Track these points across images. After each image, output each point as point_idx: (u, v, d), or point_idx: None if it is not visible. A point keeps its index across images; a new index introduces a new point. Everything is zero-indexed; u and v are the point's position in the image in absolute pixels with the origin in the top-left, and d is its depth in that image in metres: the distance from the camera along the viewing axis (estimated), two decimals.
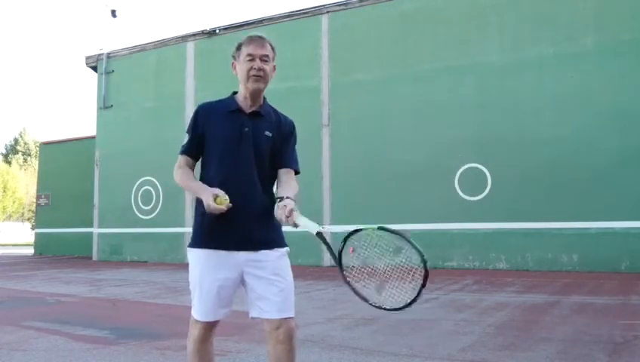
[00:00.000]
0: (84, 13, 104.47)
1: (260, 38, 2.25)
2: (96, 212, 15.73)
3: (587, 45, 10.26)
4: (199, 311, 2.21)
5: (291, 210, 2.06)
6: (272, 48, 2.28)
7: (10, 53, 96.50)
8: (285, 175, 2.33)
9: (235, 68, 2.31)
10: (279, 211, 2.09)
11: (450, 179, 11.01)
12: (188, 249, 2.27)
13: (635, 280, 8.20)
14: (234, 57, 2.31)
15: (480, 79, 11.03)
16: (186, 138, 2.30)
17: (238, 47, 2.28)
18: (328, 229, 1.95)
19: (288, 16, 13.29)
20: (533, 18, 10.73)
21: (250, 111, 2.27)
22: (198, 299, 2.21)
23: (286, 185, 2.27)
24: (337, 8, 12.72)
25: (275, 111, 2.37)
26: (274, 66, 2.30)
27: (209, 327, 2.25)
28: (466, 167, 10.92)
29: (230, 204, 2.06)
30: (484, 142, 10.80)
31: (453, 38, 11.37)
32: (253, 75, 2.21)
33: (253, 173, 2.22)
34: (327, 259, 11.95)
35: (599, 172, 9.80)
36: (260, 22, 13.55)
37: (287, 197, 2.14)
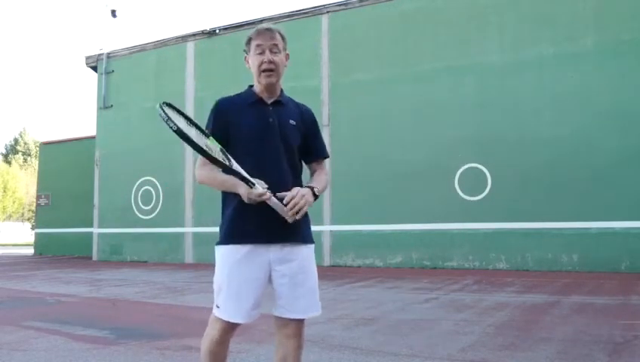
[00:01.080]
0: (84, 13, 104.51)
1: (268, 29, 2.21)
2: (96, 212, 15.73)
3: (587, 45, 10.26)
4: (228, 311, 2.11)
5: (305, 203, 2.02)
6: (282, 37, 2.23)
7: (11, 53, 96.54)
8: (317, 166, 2.33)
9: (248, 62, 2.27)
10: (297, 197, 2.02)
11: (450, 179, 11.01)
12: (216, 247, 2.20)
13: (635, 280, 8.20)
14: (245, 52, 2.27)
15: (480, 79, 11.03)
16: None
17: (248, 41, 2.25)
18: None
19: (288, 16, 13.29)
20: (533, 18, 10.73)
21: (271, 101, 2.23)
22: (227, 298, 2.11)
23: (317, 178, 2.26)
24: (337, 8, 12.72)
25: (292, 99, 2.34)
26: (287, 55, 2.26)
27: (231, 329, 2.16)
28: (466, 167, 10.92)
29: (270, 194, 2.00)
30: (484, 142, 10.80)
31: (453, 38, 11.37)
32: (264, 70, 2.17)
33: (283, 163, 2.17)
34: (328, 259, 11.96)
35: (599, 172, 9.79)
36: (260, 22, 13.53)
37: (311, 187, 2.12)
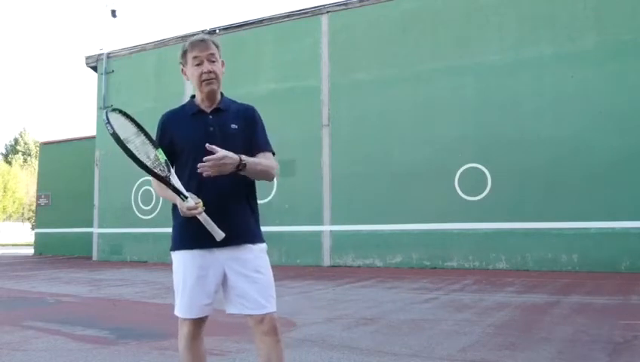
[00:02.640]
0: (84, 13, 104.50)
1: (203, 40, 2.29)
2: (96, 212, 15.74)
3: (587, 45, 10.26)
4: (183, 308, 2.26)
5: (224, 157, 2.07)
6: (217, 46, 2.32)
7: (11, 53, 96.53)
8: (262, 156, 2.35)
9: (185, 73, 2.36)
10: (217, 156, 2.07)
11: (450, 179, 11.01)
12: (171, 253, 2.33)
13: (635, 280, 8.19)
14: (181, 63, 2.36)
15: (480, 79, 11.03)
16: None
17: (184, 54, 2.32)
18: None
19: (288, 16, 13.29)
20: (533, 18, 10.73)
21: (210, 110, 2.31)
22: (182, 296, 2.26)
23: (262, 159, 2.31)
24: (337, 8, 12.72)
25: (234, 102, 2.40)
26: (223, 62, 2.34)
27: (197, 324, 2.30)
28: (466, 167, 10.92)
29: (201, 209, 2.07)
30: (484, 142, 10.80)
31: (453, 38, 11.37)
32: (205, 80, 2.25)
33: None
34: (327, 259, 11.96)
35: (599, 172, 9.79)
36: (260, 22, 13.55)
37: (241, 157, 2.14)
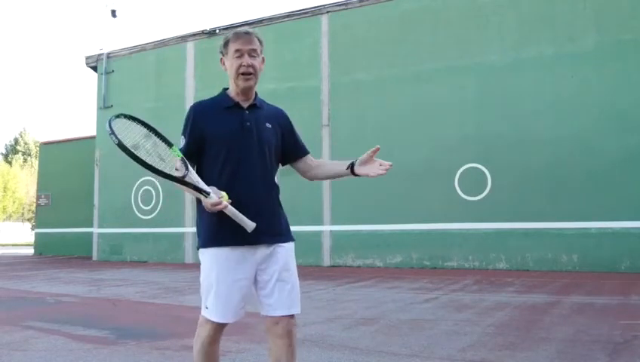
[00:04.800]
0: (84, 13, 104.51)
1: (247, 33, 2.22)
2: (96, 212, 15.73)
3: (587, 45, 10.26)
4: (217, 313, 2.15)
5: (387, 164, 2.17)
6: (260, 42, 2.26)
7: (11, 53, 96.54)
8: (312, 160, 2.42)
9: (223, 64, 2.28)
10: (373, 165, 2.21)
11: (450, 179, 11.00)
12: (200, 250, 2.23)
13: (635, 280, 8.20)
14: (222, 53, 2.28)
15: (480, 79, 11.03)
16: (182, 141, 2.23)
17: (226, 44, 2.25)
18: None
19: (288, 16, 13.29)
20: (533, 18, 10.73)
21: (247, 105, 2.25)
22: (216, 300, 2.15)
23: (330, 161, 2.42)
24: (337, 8, 12.72)
25: (266, 103, 2.37)
26: (263, 59, 2.29)
27: (220, 328, 2.21)
28: (466, 167, 10.92)
29: (226, 203, 2.01)
30: (484, 142, 10.80)
31: (453, 38, 11.37)
32: (243, 73, 2.19)
33: (260, 167, 2.20)
34: (327, 259, 11.96)
35: (599, 172, 9.79)
36: (260, 22, 13.55)
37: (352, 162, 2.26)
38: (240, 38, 2.20)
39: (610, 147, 9.76)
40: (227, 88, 2.30)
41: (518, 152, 10.48)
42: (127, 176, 14.94)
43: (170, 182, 2.08)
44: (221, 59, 2.29)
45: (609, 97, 9.92)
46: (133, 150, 2.00)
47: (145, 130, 2.12)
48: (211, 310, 2.16)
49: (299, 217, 12.37)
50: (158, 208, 14.51)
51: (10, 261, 16.10)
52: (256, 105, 2.27)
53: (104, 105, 15.78)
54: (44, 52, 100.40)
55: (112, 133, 1.98)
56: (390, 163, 2.15)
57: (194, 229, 14.84)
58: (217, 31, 14.15)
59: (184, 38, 14.78)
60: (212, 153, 2.19)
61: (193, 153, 2.22)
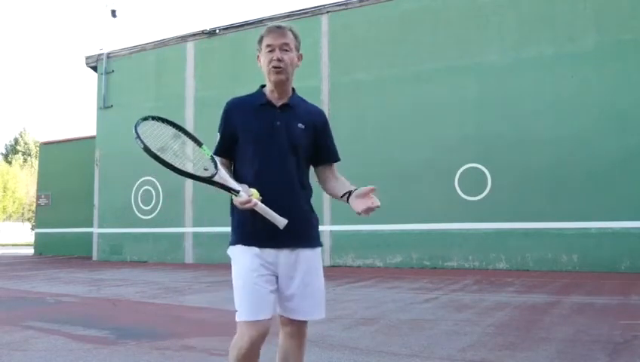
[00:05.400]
0: (84, 13, 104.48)
1: (279, 27, 2.20)
2: (96, 212, 15.73)
3: (587, 45, 10.26)
4: (248, 310, 2.02)
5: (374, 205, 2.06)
6: (295, 36, 2.24)
7: (11, 53, 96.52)
8: (329, 171, 2.35)
9: (260, 60, 2.25)
10: (364, 201, 2.07)
11: (450, 179, 11.00)
12: (230, 247, 2.18)
13: (635, 280, 8.19)
14: (258, 50, 2.25)
15: (480, 79, 11.03)
16: (217, 137, 2.23)
17: (260, 40, 2.23)
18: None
19: (288, 16, 13.28)
20: (533, 18, 10.73)
21: (280, 104, 2.21)
22: (244, 295, 2.04)
23: (344, 181, 2.30)
24: (337, 8, 12.72)
25: (304, 101, 2.31)
26: (300, 55, 2.26)
27: (262, 333, 2.03)
28: (466, 167, 10.92)
29: (256, 200, 1.99)
30: (484, 142, 10.80)
31: (453, 38, 11.37)
32: (273, 67, 2.15)
33: (289, 167, 2.16)
34: (327, 259, 11.96)
35: (599, 172, 9.79)
36: (260, 22, 13.54)
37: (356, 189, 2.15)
38: (272, 32, 2.18)
39: (610, 147, 9.76)
40: (264, 85, 2.27)
41: (518, 152, 10.48)
42: (127, 176, 14.95)
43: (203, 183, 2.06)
44: (257, 56, 2.26)
45: (609, 97, 9.92)
46: (159, 153, 1.97)
47: (174, 130, 2.10)
48: (241, 310, 2.05)
49: None
50: (158, 208, 14.51)
51: (10, 261, 16.09)
52: (289, 105, 2.22)
53: (104, 105, 15.78)
54: (44, 52, 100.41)
55: (138, 137, 1.95)
56: (379, 205, 2.06)
57: (194, 229, 14.92)
58: (217, 31, 14.15)
59: (184, 38, 14.77)
60: (243, 150, 2.18)
61: (227, 149, 2.21)
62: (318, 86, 12.65)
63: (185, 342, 4.26)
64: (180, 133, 2.10)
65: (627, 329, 4.55)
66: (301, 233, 2.14)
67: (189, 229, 14.00)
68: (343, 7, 12.64)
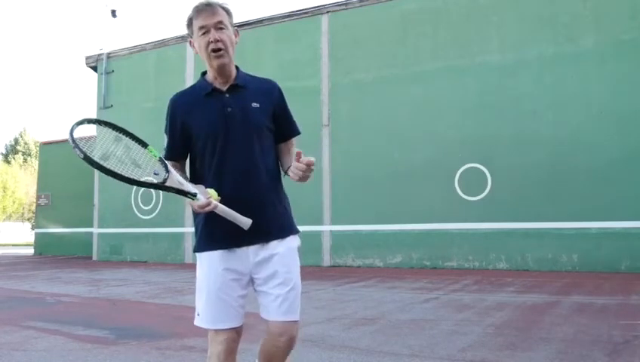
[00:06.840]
0: (84, 13, 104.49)
1: (209, 4, 1.98)
2: (96, 212, 15.73)
3: (587, 45, 10.25)
4: (207, 319, 1.97)
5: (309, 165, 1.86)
6: (227, 12, 2.02)
7: (11, 53, 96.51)
8: (288, 145, 2.14)
9: (193, 46, 2.06)
10: (296, 171, 1.89)
11: (450, 179, 11.00)
12: (196, 255, 2.07)
13: (635, 280, 8.19)
14: (189, 35, 2.05)
15: (480, 79, 11.03)
16: (165, 140, 2.06)
17: (190, 23, 2.02)
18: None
19: (288, 16, 13.29)
20: (533, 18, 10.73)
21: (226, 87, 2.03)
22: (206, 302, 1.96)
23: (292, 156, 2.05)
24: (337, 8, 12.72)
25: (251, 77, 2.12)
26: (236, 31, 2.05)
27: (232, 338, 2.00)
28: (466, 167, 10.92)
29: (215, 202, 1.84)
30: (484, 142, 10.79)
31: (453, 38, 11.37)
32: (212, 51, 1.96)
33: (252, 155, 1.98)
34: (328, 259, 11.96)
35: (599, 172, 9.79)
36: (260, 22, 13.55)
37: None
38: (202, 12, 1.97)
39: (610, 147, 9.76)
40: (206, 72, 2.09)
41: (518, 152, 10.48)
42: None
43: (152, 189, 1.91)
44: (190, 41, 2.06)
45: (608, 97, 9.91)
46: (102, 161, 1.80)
47: (114, 132, 1.91)
48: (202, 316, 1.99)
49: (299, 217, 12.28)
50: (158, 208, 14.51)
51: (10, 261, 16.09)
52: (238, 85, 2.03)
53: (104, 105, 15.78)
54: (44, 52, 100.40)
55: (76, 145, 1.76)
56: (311, 159, 1.85)
57: (194, 229, 14.84)
58: None
59: (184, 38, 14.75)
60: (198, 147, 2.01)
61: (179, 151, 2.06)
62: (318, 86, 12.65)
63: (185, 342, 4.26)
64: (120, 135, 1.92)
65: (627, 329, 4.55)
66: (271, 225, 1.99)
67: (189, 229, 13.99)
68: (343, 7, 12.63)
